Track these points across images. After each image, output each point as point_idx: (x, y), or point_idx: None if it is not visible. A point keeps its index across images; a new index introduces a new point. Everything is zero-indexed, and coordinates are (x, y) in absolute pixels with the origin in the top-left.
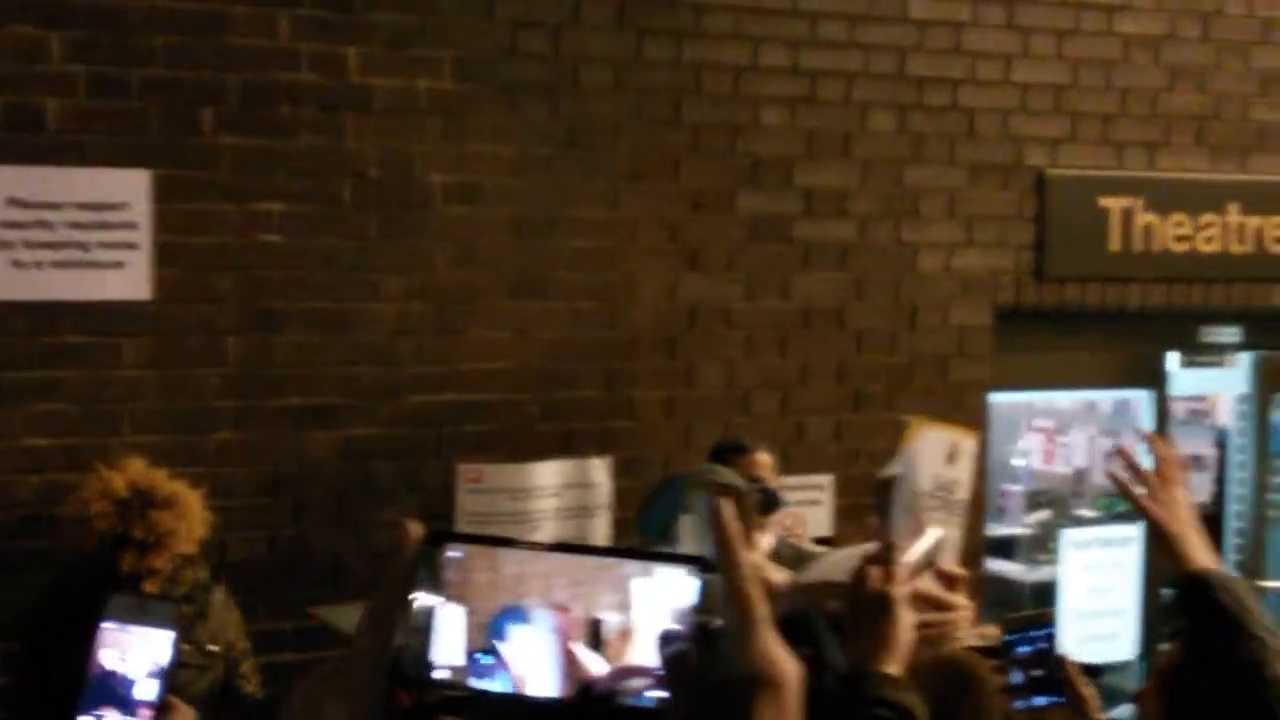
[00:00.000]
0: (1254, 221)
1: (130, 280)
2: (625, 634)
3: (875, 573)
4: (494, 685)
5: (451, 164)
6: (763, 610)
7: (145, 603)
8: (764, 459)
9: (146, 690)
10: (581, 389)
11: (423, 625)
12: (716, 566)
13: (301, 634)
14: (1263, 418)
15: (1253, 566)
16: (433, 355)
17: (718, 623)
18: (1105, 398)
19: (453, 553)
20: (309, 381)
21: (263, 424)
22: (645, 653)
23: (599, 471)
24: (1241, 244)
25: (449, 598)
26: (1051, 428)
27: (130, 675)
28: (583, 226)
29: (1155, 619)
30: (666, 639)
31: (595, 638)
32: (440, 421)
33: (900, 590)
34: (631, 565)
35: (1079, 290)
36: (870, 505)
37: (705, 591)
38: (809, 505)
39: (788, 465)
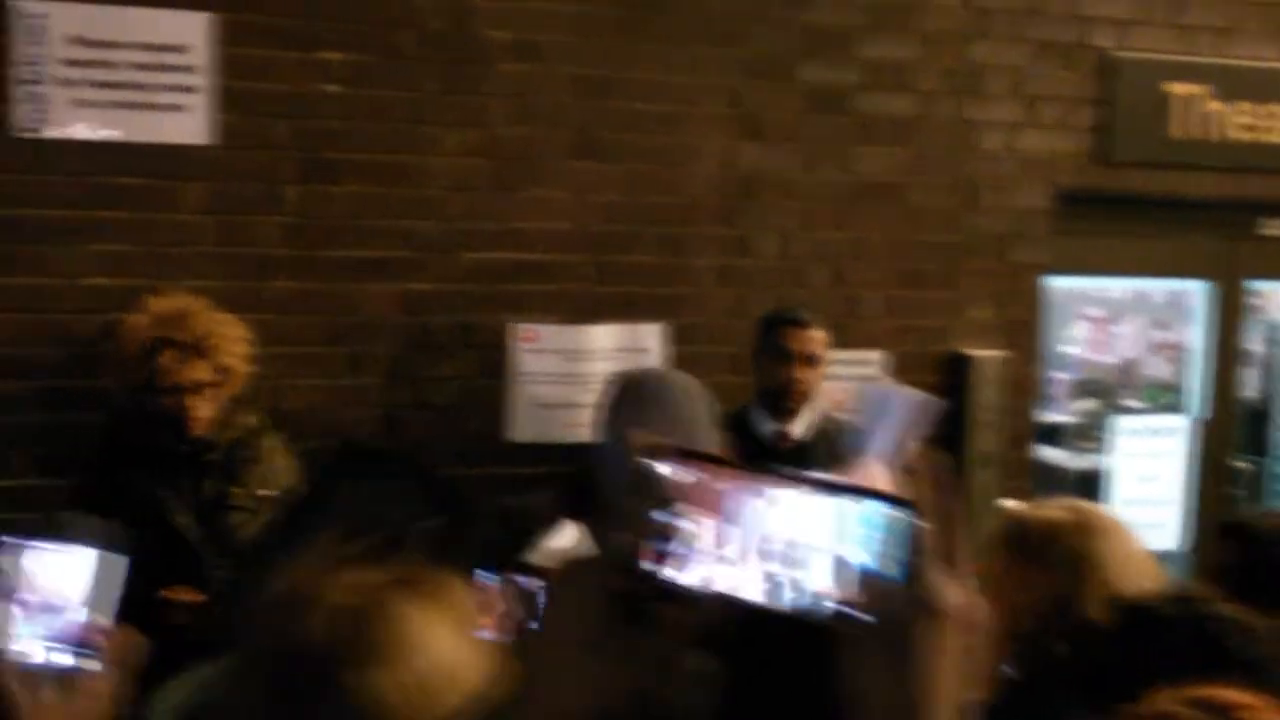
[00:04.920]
0: None
1: (189, 124)
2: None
3: None
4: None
5: (513, 19)
6: (944, 551)
7: (74, 518)
8: (818, 335)
9: (78, 614)
10: (637, 253)
11: (639, 522)
12: (913, 507)
13: None
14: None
15: None
16: (490, 212)
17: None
18: (1158, 288)
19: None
20: (367, 233)
21: (321, 274)
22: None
23: (652, 337)
24: None
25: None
26: (1102, 316)
27: (59, 600)
28: (643, 89)
29: (1202, 509)
30: (868, 577)
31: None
32: (497, 279)
33: None
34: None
35: (1140, 176)
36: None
37: (893, 529)
38: (861, 381)
39: (839, 339)
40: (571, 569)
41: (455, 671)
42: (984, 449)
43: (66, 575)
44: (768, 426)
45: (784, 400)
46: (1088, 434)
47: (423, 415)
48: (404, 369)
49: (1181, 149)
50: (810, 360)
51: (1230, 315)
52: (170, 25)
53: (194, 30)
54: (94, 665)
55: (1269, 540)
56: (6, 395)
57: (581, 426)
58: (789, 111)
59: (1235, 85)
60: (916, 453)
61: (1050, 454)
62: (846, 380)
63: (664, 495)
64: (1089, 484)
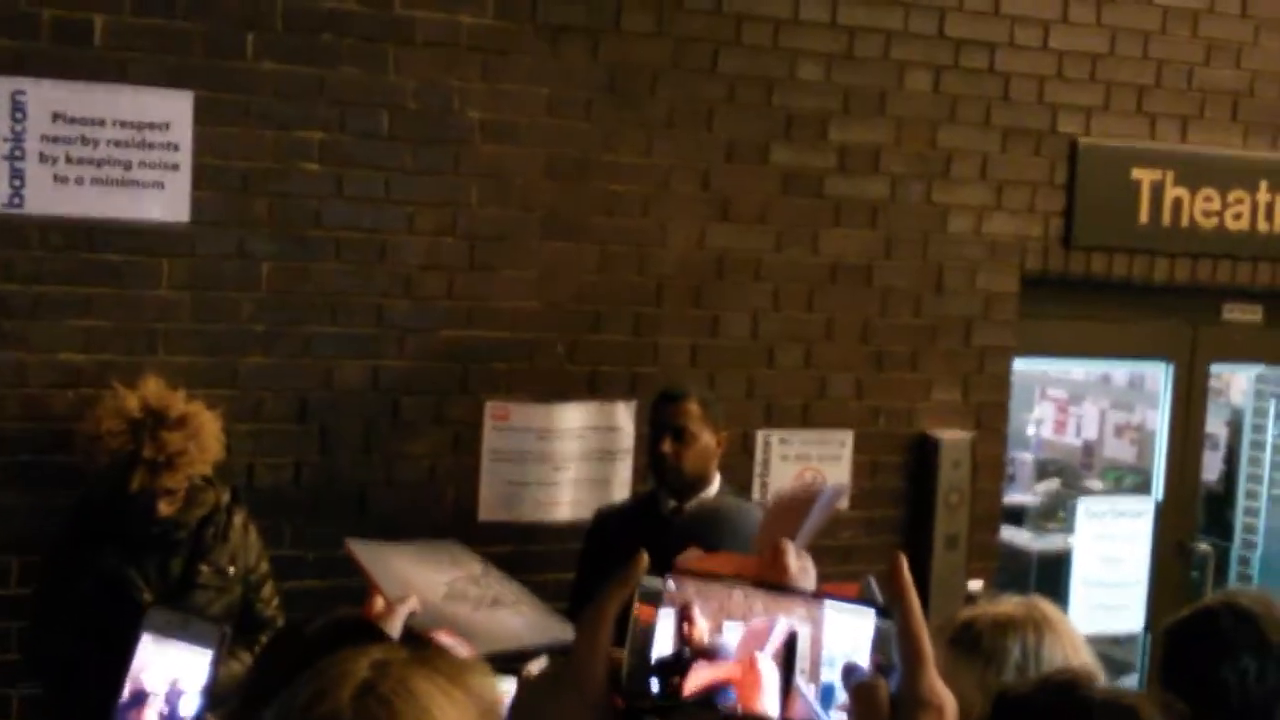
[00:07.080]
0: None
1: (170, 201)
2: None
3: None
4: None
5: (489, 101)
6: (930, 650)
7: (188, 620)
8: (691, 408)
9: (183, 709)
10: (608, 332)
11: (641, 640)
12: (890, 611)
13: (326, 562)
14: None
15: None
16: (463, 291)
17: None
18: (1120, 370)
19: (671, 584)
20: (340, 310)
21: (293, 350)
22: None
23: (623, 415)
24: (1269, 222)
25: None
26: (1064, 398)
27: (166, 693)
28: (617, 171)
29: (1163, 593)
30: (850, 671)
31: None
32: (468, 357)
33: None
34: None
35: (1105, 260)
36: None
37: (880, 633)
38: (829, 461)
39: (808, 419)
40: (549, 682)
41: None
42: (951, 531)
43: (182, 670)
44: (667, 504)
45: (660, 474)
46: (1050, 514)
47: (393, 493)
48: (376, 446)
49: (1146, 234)
50: (680, 434)
51: (1193, 398)
52: (153, 104)
53: (176, 109)
54: None
55: (1179, 636)
56: None
57: (552, 505)
58: (760, 193)
59: (1200, 172)
60: (893, 557)
61: (1013, 535)
62: (815, 460)
63: (666, 608)
64: (1052, 564)
